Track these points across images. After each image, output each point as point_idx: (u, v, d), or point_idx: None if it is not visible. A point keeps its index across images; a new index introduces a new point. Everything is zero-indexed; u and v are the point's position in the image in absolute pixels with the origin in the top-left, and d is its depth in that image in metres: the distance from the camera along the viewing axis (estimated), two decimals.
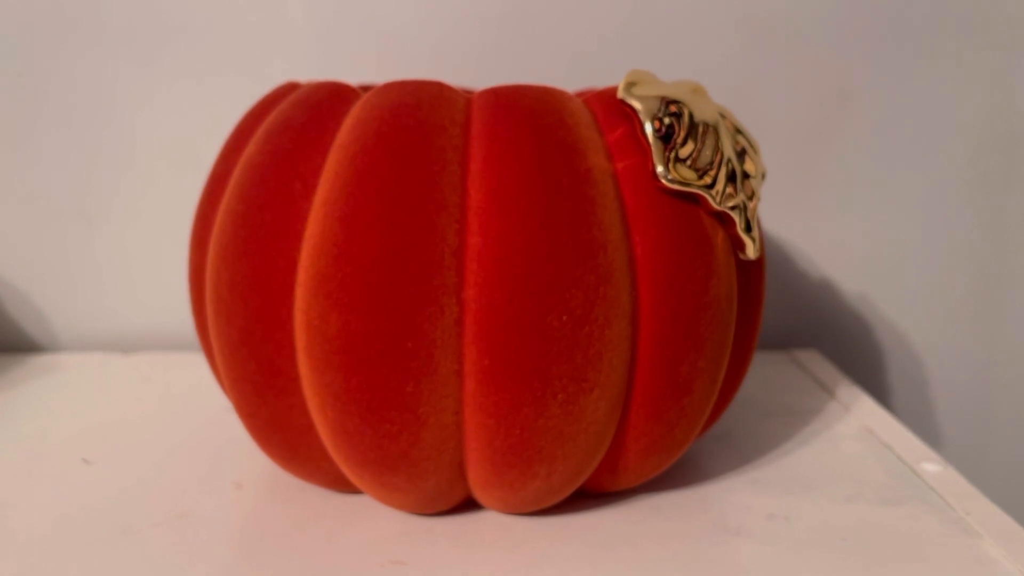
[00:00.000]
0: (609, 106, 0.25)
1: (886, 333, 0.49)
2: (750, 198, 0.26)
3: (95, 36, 0.43)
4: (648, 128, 0.24)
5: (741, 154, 0.26)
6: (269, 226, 0.24)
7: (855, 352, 0.49)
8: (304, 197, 0.24)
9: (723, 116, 0.26)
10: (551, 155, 0.23)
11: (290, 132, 0.25)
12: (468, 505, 0.28)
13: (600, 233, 0.23)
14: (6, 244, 0.46)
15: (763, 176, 0.27)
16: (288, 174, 0.24)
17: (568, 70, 0.44)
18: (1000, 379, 0.50)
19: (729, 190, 0.25)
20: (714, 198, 0.24)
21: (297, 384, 0.25)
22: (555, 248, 0.23)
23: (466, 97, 0.25)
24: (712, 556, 0.26)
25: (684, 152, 0.24)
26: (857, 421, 0.36)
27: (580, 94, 0.27)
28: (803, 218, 0.47)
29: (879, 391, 0.49)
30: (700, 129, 0.25)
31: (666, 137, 0.24)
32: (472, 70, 0.44)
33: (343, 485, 0.28)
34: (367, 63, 0.44)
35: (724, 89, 0.44)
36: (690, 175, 0.24)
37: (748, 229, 0.25)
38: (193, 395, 0.38)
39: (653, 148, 0.24)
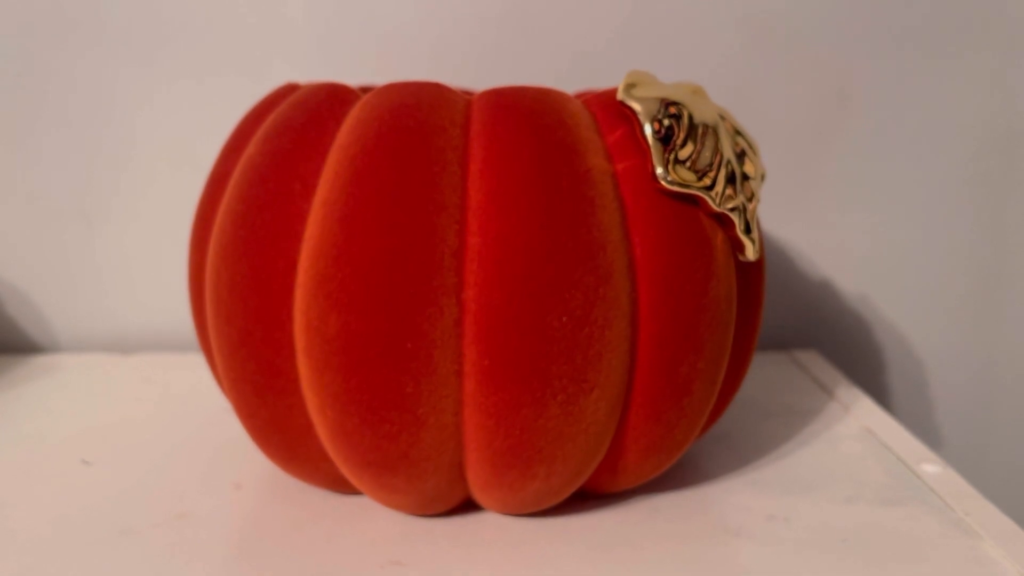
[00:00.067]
0: (609, 107, 0.25)
1: (886, 334, 0.49)
2: (749, 200, 0.26)
3: (95, 36, 0.43)
4: (648, 129, 0.24)
5: (741, 156, 0.26)
6: (269, 227, 0.24)
7: (855, 353, 0.49)
8: (304, 198, 0.24)
9: (723, 117, 0.26)
10: (551, 156, 0.23)
11: (290, 133, 0.25)
12: (467, 506, 0.28)
13: (600, 234, 0.23)
14: (6, 244, 0.46)
15: (762, 178, 0.27)
16: (288, 175, 0.24)
17: (568, 70, 0.44)
18: (1000, 380, 0.50)
19: (728, 192, 0.25)
20: (713, 200, 0.24)
21: (296, 385, 0.25)
22: (555, 249, 0.23)
23: (466, 98, 0.25)
24: (712, 557, 0.26)
25: (684, 154, 0.24)
26: (857, 422, 0.36)
27: (580, 95, 0.27)
28: (803, 218, 0.47)
29: (879, 392, 0.49)
30: (700, 131, 0.25)
31: (666, 139, 0.24)
32: (472, 70, 0.44)
33: (342, 486, 0.28)
34: (367, 63, 0.44)
35: (724, 89, 0.44)
36: (689, 177, 0.24)
37: (748, 231, 0.25)
38: (193, 396, 0.38)
39: (653, 149, 0.24)
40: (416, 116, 0.24)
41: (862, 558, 0.26)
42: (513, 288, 0.22)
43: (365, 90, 0.27)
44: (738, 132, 0.27)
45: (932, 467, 0.31)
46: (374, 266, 0.22)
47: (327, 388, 0.23)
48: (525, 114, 0.24)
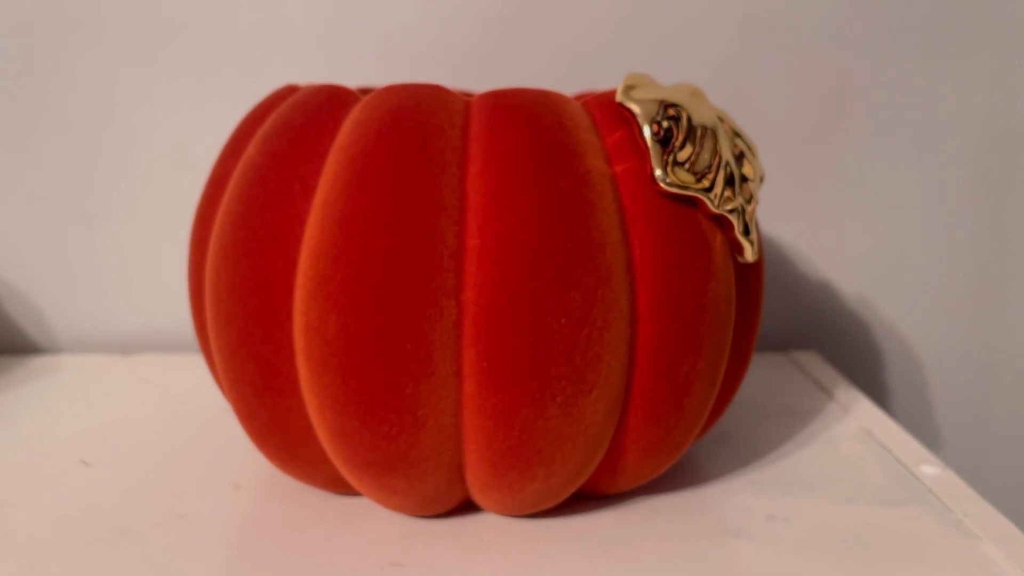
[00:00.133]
0: (608, 109, 0.25)
1: (885, 335, 0.49)
2: (748, 201, 0.26)
3: (95, 36, 0.43)
4: (646, 131, 0.24)
5: (739, 157, 0.26)
6: (268, 227, 0.24)
7: (854, 354, 0.49)
8: (303, 199, 0.24)
9: (721, 119, 0.26)
10: (550, 157, 0.23)
11: (289, 134, 0.25)
12: (467, 507, 0.28)
13: (599, 235, 0.23)
14: (6, 244, 0.46)
15: (761, 179, 0.27)
16: (287, 176, 0.24)
17: (568, 71, 0.44)
18: (999, 381, 0.50)
19: (727, 193, 0.25)
20: (712, 201, 0.24)
21: (296, 386, 0.25)
22: (554, 250, 0.23)
23: (465, 100, 0.25)
24: (711, 557, 0.26)
25: (682, 155, 0.24)
26: (856, 423, 0.36)
27: (579, 97, 0.27)
28: (803, 219, 0.47)
29: (878, 393, 0.49)
30: (698, 132, 0.25)
31: (664, 140, 0.24)
32: (472, 71, 0.44)
33: (342, 487, 0.28)
34: (367, 64, 0.44)
35: (724, 90, 0.44)
36: (688, 178, 0.24)
37: (746, 232, 0.25)
38: (192, 396, 0.38)
39: (651, 151, 0.24)
40: (415, 118, 0.24)
41: (861, 559, 0.26)
42: (512, 289, 0.22)
43: (364, 92, 0.27)
44: (737, 134, 0.27)
45: (931, 468, 0.31)
46: (373, 267, 0.22)
47: (326, 389, 0.23)
48: (524, 116, 0.24)
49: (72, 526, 0.27)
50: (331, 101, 0.26)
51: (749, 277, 0.28)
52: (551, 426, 0.24)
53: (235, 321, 0.25)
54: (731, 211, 0.25)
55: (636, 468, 0.27)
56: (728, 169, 0.25)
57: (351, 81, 0.40)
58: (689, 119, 0.25)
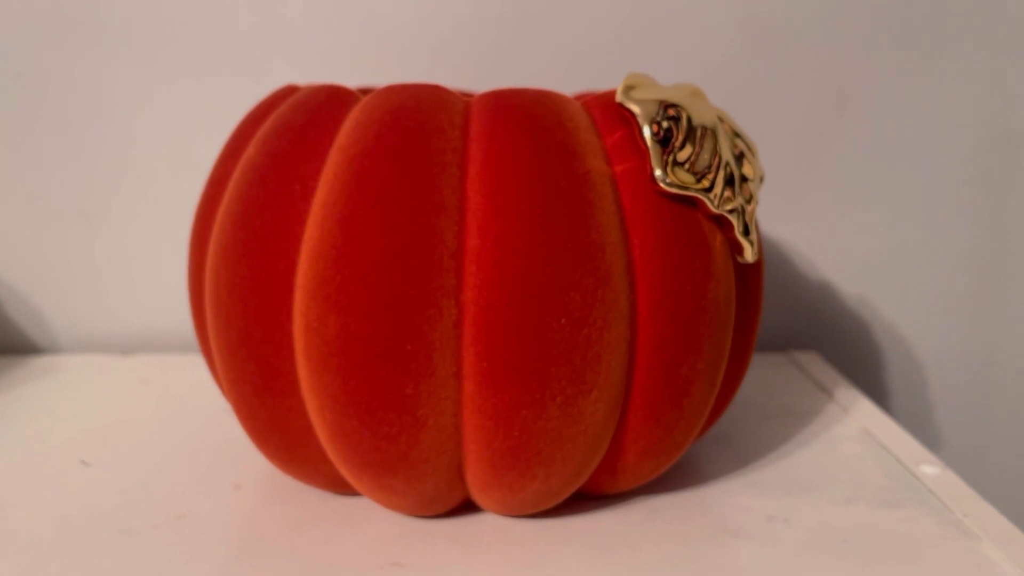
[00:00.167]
0: (607, 109, 0.25)
1: (885, 335, 0.49)
2: (748, 201, 0.26)
3: (95, 36, 0.43)
4: (646, 132, 0.24)
5: (739, 157, 0.26)
6: (268, 228, 0.24)
7: (854, 354, 0.49)
8: (303, 199, 0.24)
9: (721, 119, 0.26)
10: (550, 158, 0.23)
11: (289, 134, 0.25)
12: (467, 507, 0.28)
13: (599, 236, 0.23)
14: (6, 245, 0.46)
15: (761, 179, 0.27)
16: (287, 176, 0.24)
17: (568, 71, 0.44)
18: (999, 381, 0.50)
19: (727, 193, 0.25)
20: (712, 201, 0.24)
21: (296, 386, 0.25)
22: (554, 251, 0.23)
23: (465, 100, 0.25)
24: (711, 558, 0.26)
25: (682, 156, 0.24)
26: (856, 423, 0.36)
27: (579, 97, 0.27)
28: (803, 219, 0.47)
29: (878, 393, 0.49)
30: (698, 133, 0.25)
31: (664, 141, 0.24)
32: (472, 71, 0.44)
33: (342, 487, 0.28)
34: (367, 64, 0.44)
35: (724, 90, 0.44)
36: (688, 179, 0.24)
37: (746, 232, 0.25)
38: (192, 396, 0.38)
39: (651, 151, 0.24)
40: (415, 118, 0.24)
41: (861, 559, 0.26)
42: (512, 290, 0.22)
43: (364, 92, 0.27)
44: (737, 134, 0.27)
45: (931, 468, 0.31)
46: (373, 268, 0.22)
47: (326, 389, 0.23)
48: (524, 116, 0.24)
49: (72, 526, 0.27)
50: (331, 101, 0.26)
51: (749, 277, 0.28)
52: (551, 426, 0.24)
53: (235, 321, 0.25)
54: (731, 211, 0.25)
55: (636, 468, 0.27)
56: (728, 169, 0.25)
57: (351, 81, 0.40)
58: (689, 119, 0.25)
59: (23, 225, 0.45)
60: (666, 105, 0.25)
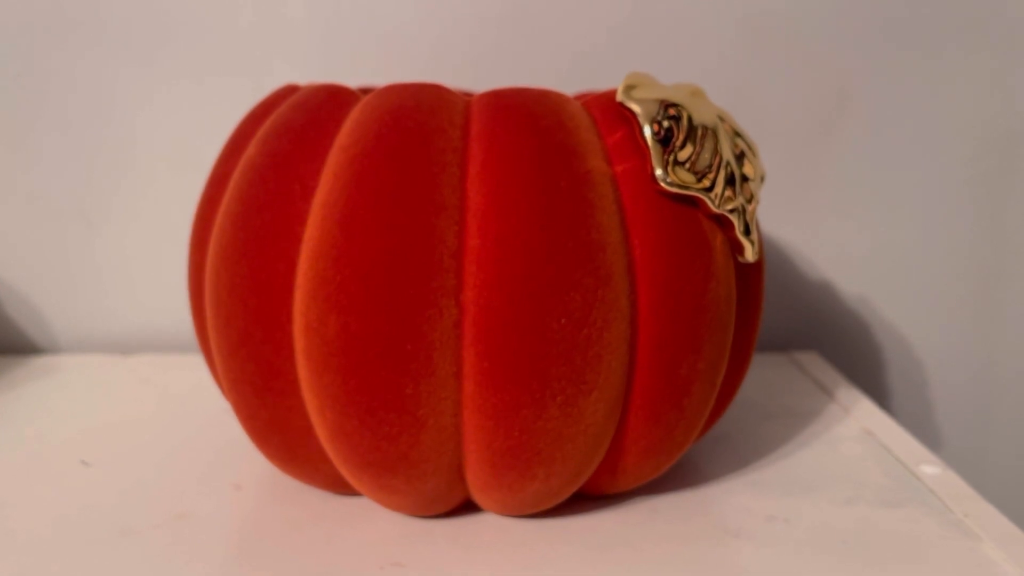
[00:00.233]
0: (608, 109, 0.25)
1: (886, 335, 0.49)
2: (749, 201, 0.26)
3: (95, 36, 0.43)
4: (647, 131, 0.24)
5: (740, 157, 0.26)
6: (268, 228, 0.24)
7: (855, 354, 0.49)
8: (303, 199, 0.24)
9: (722, 119, 0.26)
10: (550, 157, 0.23)
11: (289, 134, 0.25)
12: (467, 507, 0.28)
13: (599, 235, 0.23)
14: (6, 244, 0.46)
15: (762, 179, 0.27)
16: (287, 176, 0.24)
17: (568, 70, 0.44)
18: (1000, 381, 0.49)
19: (728, 193, 0.25)
20: (713, 201, 0.24)
21: (296, 386, 0.25)
22: (554, 250, 0.23)
23: (465, 100, 0.25)
24: (712, 558, 0.26)
25: (683, 155, 0.24)
26: (857, 423, 0.36)
27: (579, 97, 0.27)
28: (803, 219, 0.47)
29: (879, 393, 0.49)
30: (699, 132, 0.25)
31: (665, 140, 0.24)
32: (472, 71, 0.44)
33: (342, 487, 0.28)
34: (367, 64, 0.44)
35: (724, 89, 0.44)
36: (689, 178, 0.24)
37: (747, 232, 0.25)
38: (192, 397, 0.38)
39: (652, 151, 0.24)
40: (416, 117, 0.24)
41: (862, 559, 0.26)
42: (512, 290, 0.22)
43: (365, 91, 0.27)
44: (737, 133, 0.27)
45: (932, 468, 0.31)
46: (373, 267, 0.22)
47: (326, 389, 0.23)
48: (525, 116, 0.24)
49: (72, 526, 0.27)
50: (331, 101, 0.26)
51: (750, 277, 0.28)
52: (551, 426, 0.24)
53: (235, 321, 0.25)
54: (732, 211, 0.25)
55: (636, 468, 0.27)
56: (729, 169, 0.25)
57: (351, 81, 0.40)
58: (690, 119, 0.25)
59: (23, 225, 0.45)
60: (667, 104, 0.24)
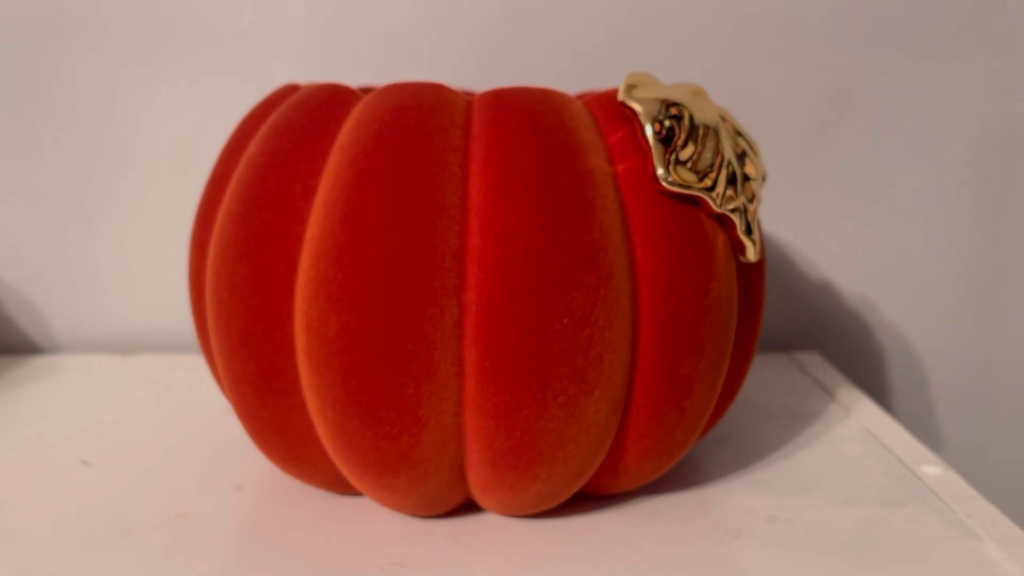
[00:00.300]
0: (609, 108, 0.25)
1: (886, 335, 0.49)
2: (750, 200, 0.26)
3: (95, 36, 0.43)
4: (648, 130, 0.24)
5: (741, 156, 0.26)
6: (269, 227, 0.24)
7: (856, 354, 0.49)
8: (304, 199, 0.24)
9: (723, 118, 0.26)
10: (551, 157, 0.23)
11: (290, 134, 0.25)
12: (468, 507, 0.28)
13: (600, 235, 0.23)
14: (6, 244, 0.46)
15: (763, 178, 0.27)
16: (288, 175, 0.24)
17: (568, 70, 0.44)
18: (1000, 380, 0.49)
19: (729, 192, 0.25)
20: (714, 200, 0.24)
21: (297, 386, 0.25)
22: (555, 250, 0.22)
23: (466, 99, 0.25)
24: (712, 558, 0.26)
25: (684, 155, 0.24)
26: (858, 423, 0.36)
27: (580, 96, 0.27)
28: (804, 220, 0.47)
29: (880, 393, 0.49)
30: (700, 131, 0.25)
31: (666, 139, 0.24)
32: (472, 70, 0.44)
33: (343, 487, 0.28)
34: (367, 64, 0.44)
35: (724, 89, 0.44)
36: (690, 177, 0.24)
37: (748, 231, 0.25)
38: (193, 396, 0.38)
39: (653, 150, 0.24)
40: (417, 117, 0.24)
41: (863, 560, 0.26)
42: (514, 289, 0.22)
43: (365, 91, 0.27)
44: (739, 133, 0.27)
45: (933, 468, 0.31)
46: (374, 267, 0.22)
47: (327, 389, 0.23)
48: (526, 115, 0.24)
49: (72, 526, 0.27)
50: (332, 100, 0.26)
51: (751, 277, 0.28)
52: (552, 426, 0.23)
53: (236, 321, 0.25)
54: (733, 210, 0.25)
55: (637, 468, 0.27)
56: (730, 168, 0.25)
57: (351, 81, 0.40)
58: (691, 118, 0.25)
59: (23, 225, 0.45)
60: (668, 104, 0.24)
